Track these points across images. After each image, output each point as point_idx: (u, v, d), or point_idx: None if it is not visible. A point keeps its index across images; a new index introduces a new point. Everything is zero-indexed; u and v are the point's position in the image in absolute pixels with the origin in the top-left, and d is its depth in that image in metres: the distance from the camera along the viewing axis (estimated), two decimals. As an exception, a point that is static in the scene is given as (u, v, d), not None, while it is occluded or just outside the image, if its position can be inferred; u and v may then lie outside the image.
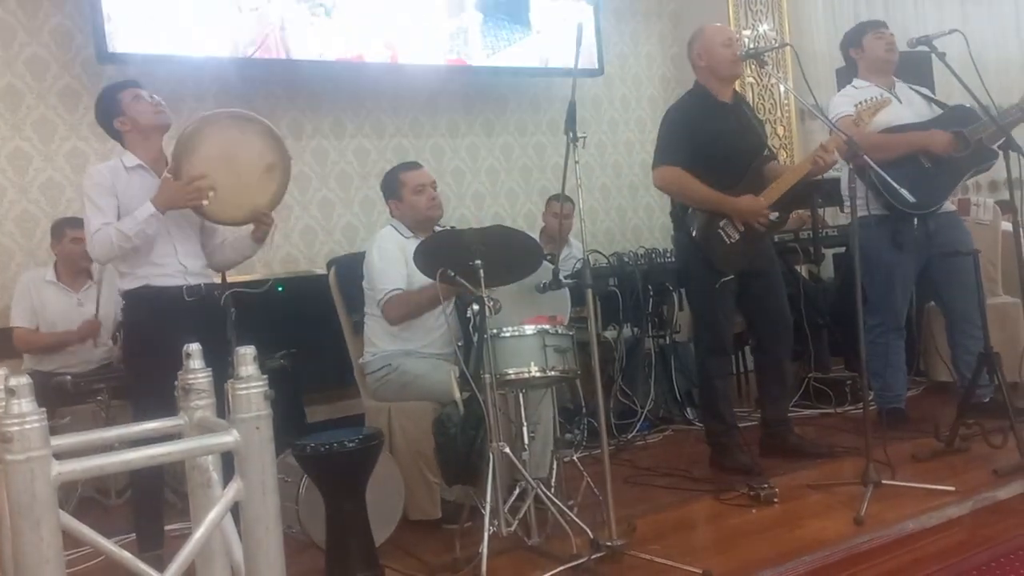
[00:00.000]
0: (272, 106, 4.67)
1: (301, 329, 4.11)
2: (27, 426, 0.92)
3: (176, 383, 1.29)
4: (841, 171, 3.61)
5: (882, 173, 2.95)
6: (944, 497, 2.70)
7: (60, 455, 1.01)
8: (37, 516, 0.93)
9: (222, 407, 1.24)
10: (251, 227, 2.87)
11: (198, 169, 2.67)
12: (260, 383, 1.08)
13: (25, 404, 0.93)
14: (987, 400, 3.49)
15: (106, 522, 3.33)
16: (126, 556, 1.03)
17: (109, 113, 2.79)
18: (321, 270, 4.51)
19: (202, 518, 1.20)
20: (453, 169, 5.26)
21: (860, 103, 3.25)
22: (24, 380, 0.93)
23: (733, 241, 3.21)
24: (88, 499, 3.62)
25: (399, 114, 5.07)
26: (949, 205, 3.61)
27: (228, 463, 1.21)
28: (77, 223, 3.87)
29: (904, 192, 2.86)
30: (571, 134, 2.49)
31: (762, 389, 3.46)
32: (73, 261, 3.86)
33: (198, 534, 1.05)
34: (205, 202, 2.65)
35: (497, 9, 5.08)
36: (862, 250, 3.56)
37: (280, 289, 4.17)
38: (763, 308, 3.36)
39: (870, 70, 3.63)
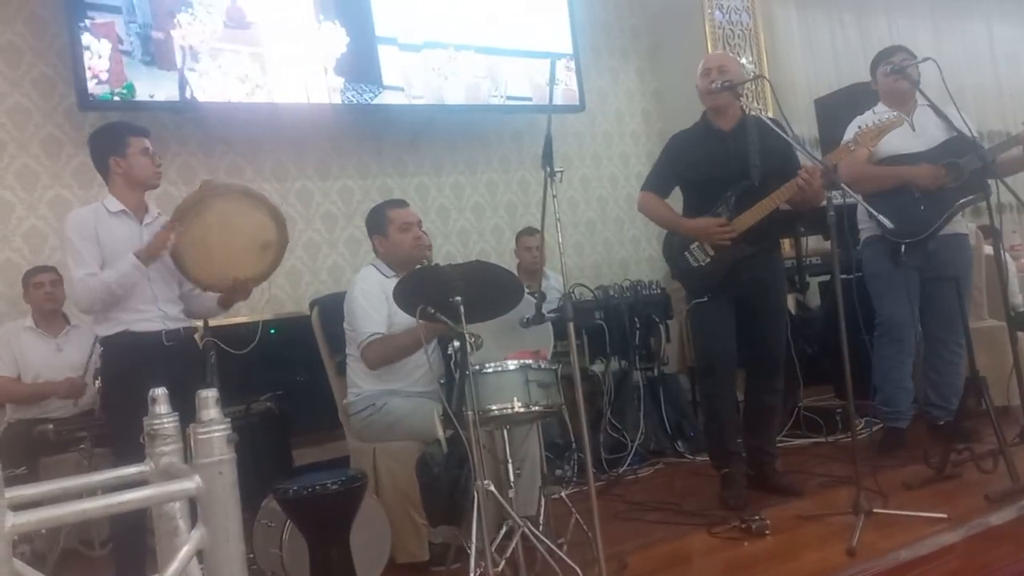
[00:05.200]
0: (255, 149, 4.70)
1: (289, 371, 4.08)
2: (-22, 478, 0.90)
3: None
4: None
5: (861, 201, 2.99)
6: (937, 524, 2.67)
7: (24, 506, 0.99)
8: (-11, 570, 0.90)
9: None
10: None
11: (194, 232, 2.71)
12: (222, 427, 1.06)
13: (-24, 455, 0.91)
14: (941, 423, 3.52)
15: (90, 573, 3.26)
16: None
17: (109, 150, 2.78)
18: (307, 312, 4.50)
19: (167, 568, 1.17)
20: (438, 207, 5.27)
21: (862, 127, 3.27)
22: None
23: (700, 264, 3.23)
24: (71, 551, 3.55)
25: (382, 153, 5.09)
26: (959, 227, 3.62)
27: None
28: (41, 270, 3.88)
29: (883, 219, 2.88)
30: (548, 168, 2.50)
31: (745, 419, 3.44)
32: (41, 307, 3.85)
33: (160, 586, 1.02)
34: (169, 245, 2.66)
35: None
36: (865, 269, 3.60)
37: (273, 332, 4.15)
38: (751, 338, 3.36)
39: (886, 99, 3.69)
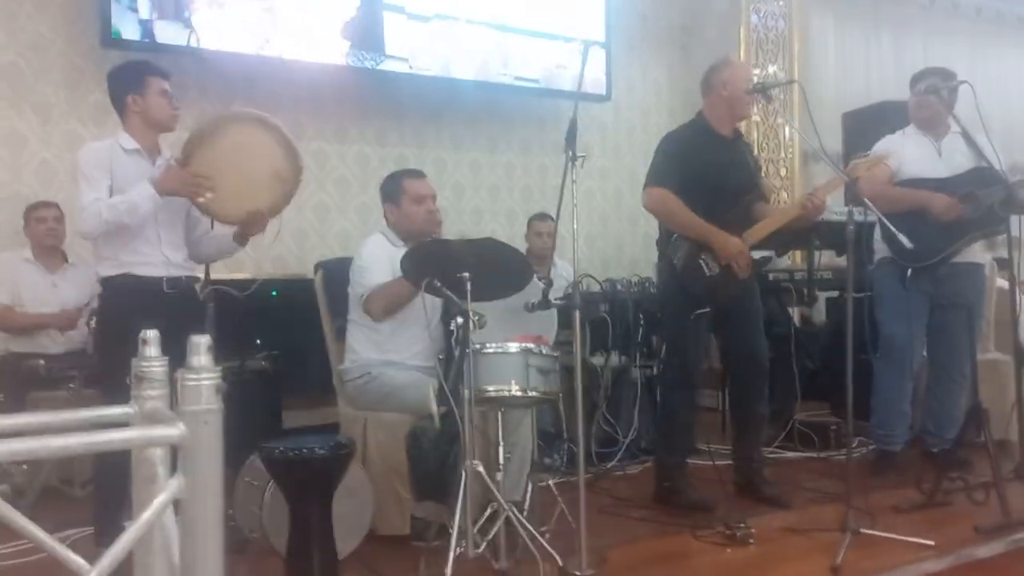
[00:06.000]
0: (275, 105, 4.63)
1: (286, 332, 4.05)
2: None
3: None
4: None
5: (883, 219, 2.95)
6: (923, 551, 2.64)
7: (3, 435, 0.95)
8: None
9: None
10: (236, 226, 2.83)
11: (208, 161, 2.64)
12: (212, 375, 1.02)
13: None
14: (936, 451, 3.48)
15: (69, 512, 3.25)
16: (49, 543, 0.96)
17: (128, 87, 2.73)
18: (311, 274, 4.47)
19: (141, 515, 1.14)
20: (454, 183, 5.23)
21: (860, 157, 3.23)
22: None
23: (713, 274, 3.15)
24: (52, 489, 3.54)
25: (403, 124, 5.04)
26: (976, 257, 3.58)
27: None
28: (45, 205, 3.85)
29: (902, 237, 2.83)
30: (570, 152, 2.45)
31: (733, 427, 3.40)
32: (41, 242, 3.82)
33: (132, 530, 0.99)
34: (201, 200, 2.62)
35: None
36: (875, 289, 3.56)
37: (275, 294, 4.12)
38: (737, 347, 3.33)
39: (917, 120, 3.62)
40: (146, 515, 1.00)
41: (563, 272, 4.42)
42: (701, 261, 3.14)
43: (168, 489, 1.01)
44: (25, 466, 3.52)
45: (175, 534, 1.11)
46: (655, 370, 4.25)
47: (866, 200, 2.89)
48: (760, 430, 3.41)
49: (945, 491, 3.10)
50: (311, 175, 4.72)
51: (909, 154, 3.51)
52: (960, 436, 3.28)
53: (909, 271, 3.41)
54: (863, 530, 2.70)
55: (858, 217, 3.01)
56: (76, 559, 1.02)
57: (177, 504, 1.06)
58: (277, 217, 2.83)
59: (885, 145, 3.54)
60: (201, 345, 1.03)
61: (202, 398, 1.02)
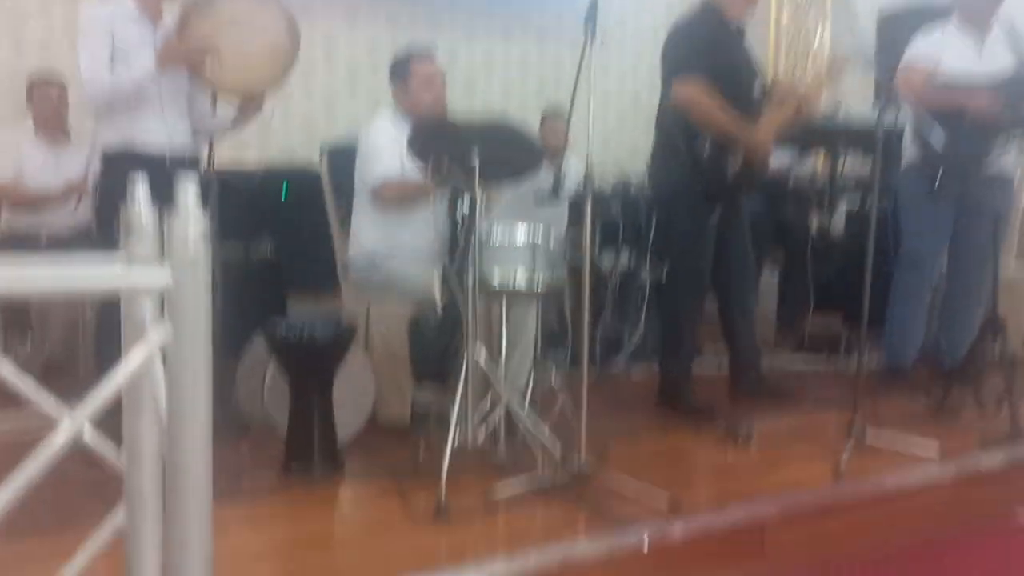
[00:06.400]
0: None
1: (292, 222, 3.98)
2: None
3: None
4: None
5: (917, 116, 2.81)
6: (926, 460, 2.61)
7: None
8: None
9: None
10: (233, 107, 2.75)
11: (205, 31, 2.54)
12: (200, 221, 0.95)
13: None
14: (946, 364, 3.46)
15: (75, 390, 3.26)
16: (26, 387, 0.91)
17: None
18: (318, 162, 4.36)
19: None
20: (467, 74, 5.04)
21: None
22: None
23: (735, 172, 3.05)
24: (56, 366, 3.55)
25: (415, 7, 4.82)
26: (1006, 169, 3.43)
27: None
28: (47, 82, 3.72)
29: (935, 136, 2.71)
30: (590, 30, 2.29)
31: (733, 327, 3.34)
32: (45, 117, 3.71)
33: (116, 375, 0.93)
34: (207, 69, 2.54)
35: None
36: (899, 197, 3.45)
37: (284, 187, 4.02)
38: (734, 244, 3.26)
39: (962, 15, 3.41)
40: (131, 360, 0.94)
41: (575, 169, 4.30)
42: (730, 159, 3.03)
43: (153, 336, 0.95)
44: (29, 346, 3.52)
45: (163, 389, 1.06)
46: (664, 274, 4.19)
47: (902, 99, 2.74)
48: (753, 323, 3.39)
49: (953, 403, 3.07)
50: (320, 60, 4.55)
51: (948, 51, 3.33)
52: (973, 350, 3.23)
53: (940, 175, 3.27)
54: (868, 437, 2.68)
55: (889, 121, 2.87)
56: (52, 403, 0.97)
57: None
58: (274, 98, 2.75)
59: (925, 41, 3.36)
60: (189, 189, 0.95)
61: (190, 244, 0.95)
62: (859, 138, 3.78)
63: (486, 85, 5.13)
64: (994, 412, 2.95)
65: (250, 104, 2.70)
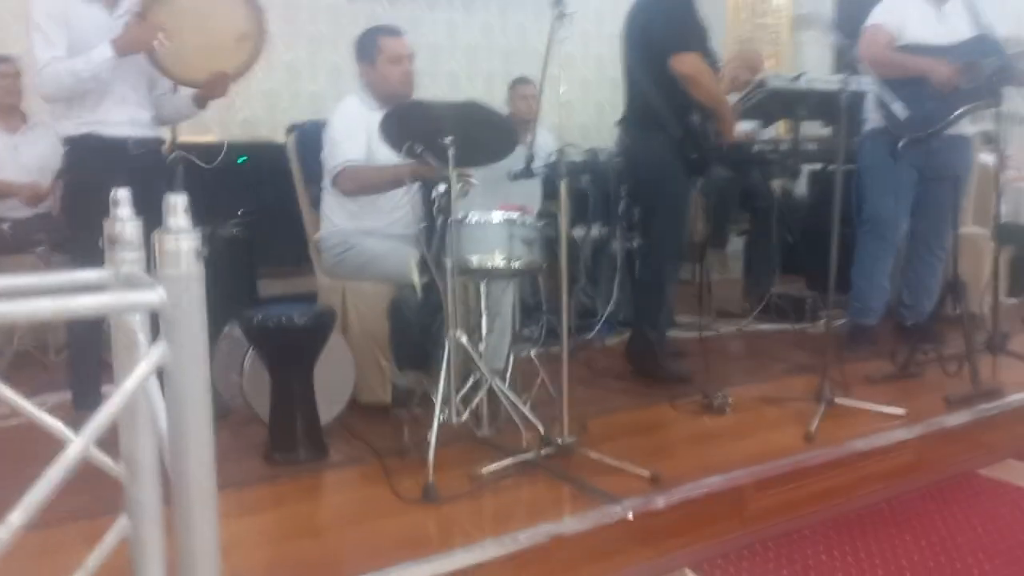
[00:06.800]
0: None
1: (258, 199, 3.93)
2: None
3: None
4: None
5: (876, 86, 2.85)
6: (894, 420, 2.71)
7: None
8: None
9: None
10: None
11: (167, 17, 2.50)
12: (192, 237, 0.95)
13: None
14: (909, 324, 3.55)
15: (43, 378, 3.21)
16: (29, 409, 0.91)
17: None
18: (282, 138, 4.29)
19: (123, 377, 1.09)
20: (429, 44, 4.98)
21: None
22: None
23: (711, 142, 3.12)
24: (25, 353, 3.50)
25: (377, -22, 4.75)
26: (964, 129, 3.50)
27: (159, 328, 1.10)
28: (0, 60, 3.60)
29: (897, 107, 2.75)
30: (558, 7, 2.29)
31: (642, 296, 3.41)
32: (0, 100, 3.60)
33: (115, 397, 0.94)
34: (156, 43, 2.45)
35: None
36: (861, 161, 3.51)
37: (241, 160, 3.96)
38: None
39: None
40: (129, 382, 0.94)
41: (545, 139, 4.30)
42: (707, 126, 3.10)
43: (152, 356, 0.95)
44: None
45: (160, 403, 1.07)
46: (634, 243, 4.23)
47: (864, 69, 2.78)
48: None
49: (918, 363, 3.17)
50: (280, 33, 4.46)
51: (909, 17, 3.38)
52: (935, 309, 3.33)
53: (901, 142, 3.34)
54: (837, 400, 2.76)
55: (851, 86, 2.91)
56: (59, 426, 0.97)
57: (161, 373, 1.01)
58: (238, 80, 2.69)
59: (885, 8, 3.40)
60: (178, 205, 0.95)
61: (183, 262, 0.95)
62: (821, 104, 3.82)
63: (449, 55, 5.07)
64: (956, 371, 3.05)
65: (213, 90, 2.64)
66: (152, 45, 2.48)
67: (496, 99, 5.11)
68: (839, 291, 2.88)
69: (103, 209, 2.59)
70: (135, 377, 0.96)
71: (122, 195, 1.12)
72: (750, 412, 2.84)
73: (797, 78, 3.75)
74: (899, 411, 2.75)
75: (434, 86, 4.97)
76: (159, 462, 1.17)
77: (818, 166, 4.56)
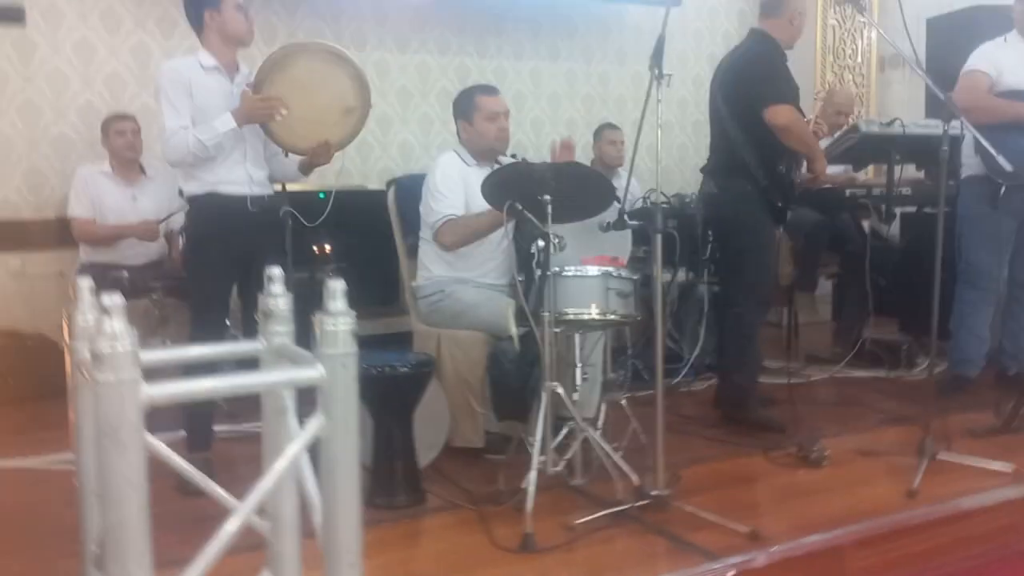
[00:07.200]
0: (337, 13, 4.56)
1: (350, 243, 4.09)
2: (119, 348, 0.89)
3: (256, 305, 1.26)
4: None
5: (981, 139, 2.82)
6: (1001, 477, 2.63)
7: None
8: (124, 440, 0.91)
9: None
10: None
11: (279, 89, 2.67)
12: (349, 319, 1.04)
13: (117, 324, 0.90)
14: (1012, 373, 3.43)
15: (154, 417, 3.39)
16: (205, 481, 1.01)
17: (204, 2, 2.71)
18: (374, 185, 4.47)
19: (275, 444, 1.19)
20: (515, 93, 5.11)
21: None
22: (117, 300, 0.89)
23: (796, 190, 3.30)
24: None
25: (464, 32, 4.92)
26: None
27: (300, 391, 1.19)
28: (123, 118, 3.87)
29: (1002, 160, 2.71)
30: (656, 70, 2.36)
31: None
32: (121, 155, 3.86)
33: (279, 466, 1.03)
34: (278, 118, 2.65)
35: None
36: (960, 208, 3.46)
37: (322, 196, 4.10)
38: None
39: (1021, 28, 3.43)
40: (292, 449, 1.04)
41: (632, 185, 4.36)
42: (793, 177, 3.22)
43: (311, 428, 1.04)
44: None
45: (307, 467, 1.16)
46: (720, 288, 4.22)
47: (964, 121, 2.75)
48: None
49: (1022, 416, 3.07)
50: (373, 86, 4.64)
51: (1009, 63, 3.33)
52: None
53: (1003, 189, 3.27)
54: (940, 454, 2.70)
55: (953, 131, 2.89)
56: (225, 496, 1.07)
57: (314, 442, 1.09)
58: (342, 151, 2.85)
59: (983, 54, 3.36)
60: (337, 290, 1.05)
61: (340, 342, 1.04)
62: (916, 148, 3.77)
63: (534, 102, 5.20)
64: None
65: (318, 159, 2.80)
66: (272, 118, 2.65)
67: (577, 145, 5.20)
68: (938, 338, 2.83)
69: (222, 260, 2.79)
70: (294, 447, 1.05)
71: (276, 273, 1.22)
72: (847, 465, 2.80)
73: (891, 123, 3.72)
74: (1006, 467, 2.66)
75: (519, 132, 5.10)
76: (299, 520, 1.27)
77: (912, 209, 4.48)
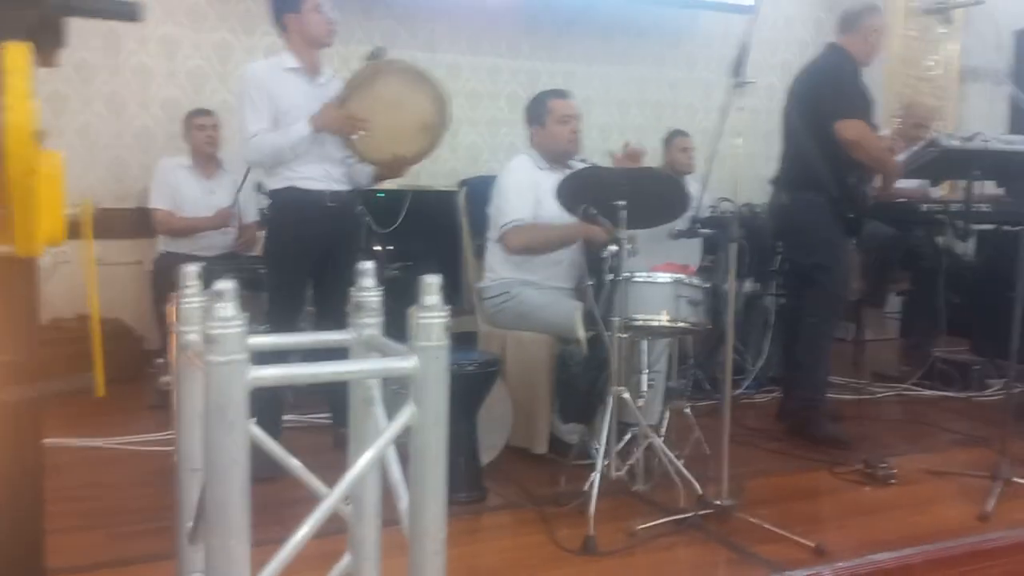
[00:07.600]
0: (412, 16, 4.64)
1: (416, 242, 4.15)
2: (230, 330, 0.94)
3: (348, 297, 1.30)
4: None
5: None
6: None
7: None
8: (231, 419, 0.95)
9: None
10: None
11: (364, 106, 2.76)
12: (442, 314, 1.07)
13: (230, 308, 0.95)
14: None
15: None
16: (302, 471, 1.05)
17: (285, 6, 2.80)
18: (441, 186, 4.53)
19: (361, 432, 1.22)
20: (584, 98, 5.09)
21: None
22: (230, 284, 0.94)
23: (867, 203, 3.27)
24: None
25: (536, 36, 4.95)
26: None
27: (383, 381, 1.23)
28: (204, 113, 4.00)
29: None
30: (737, 78, 2.35)
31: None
32: (200, 149, 3.98)
33: (369, 454, 1.06)
34: (355, 137, 2.74)
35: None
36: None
37: (381, 195, 4.17)
38: None
39: None
40: (385, 437, 1.07)
41: (698, 192, 4.33)
42: (867, 190, 3.21)
43: (403, 415, 1.07)
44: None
45: (392, 455, 1.19)
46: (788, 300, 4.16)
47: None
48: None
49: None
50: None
51: None
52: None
53: None
54: (1015, 478, 2.62)
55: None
56: (316, 483, 1.11)
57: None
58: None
59: None
60: (432, 285, 1.07)
61: (433, 335, 1.07)
62: (997, 165, 3.67)
63: (603, 108, 5.20)
64: None
65: (391, 172, 2.89)
66: (350, 135, 2.74)
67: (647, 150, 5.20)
68: (1004, 356, 2.75)
69: (300, 252, 2.86)
70: (385, 436, 1.08)
71: (367, 267, 1.26)
72: (915, 485, 2.74)
73: (971, 138, 3.62)
74: (1084, 495, 2.58)
75: (587, 138, 5.05)
76: (380, 506, 1.30)
77: (990, 226, 4.35)
